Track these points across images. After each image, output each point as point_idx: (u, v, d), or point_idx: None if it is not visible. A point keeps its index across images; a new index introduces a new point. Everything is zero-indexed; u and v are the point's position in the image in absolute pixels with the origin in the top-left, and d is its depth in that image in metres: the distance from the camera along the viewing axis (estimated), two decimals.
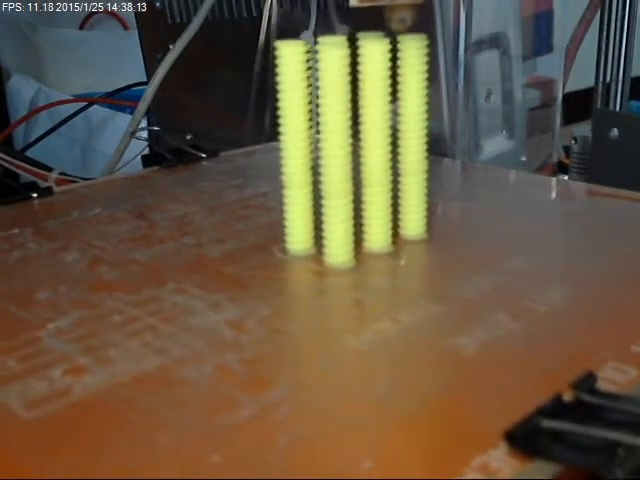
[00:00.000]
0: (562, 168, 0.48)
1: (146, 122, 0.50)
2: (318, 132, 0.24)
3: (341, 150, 0.24)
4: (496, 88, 0.42)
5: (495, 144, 0.43)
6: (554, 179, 0.39)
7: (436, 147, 0.38)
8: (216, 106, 0.50)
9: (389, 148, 0.25)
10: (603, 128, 0.41)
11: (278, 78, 0.24)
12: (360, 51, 0.24)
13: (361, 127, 0.24)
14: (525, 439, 0.15)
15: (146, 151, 0.43)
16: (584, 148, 0.45)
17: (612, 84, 0.47)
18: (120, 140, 0.45)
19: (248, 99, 0.47)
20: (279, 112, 0.24)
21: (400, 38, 0.25)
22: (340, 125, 0.23)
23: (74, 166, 0.66)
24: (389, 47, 0.24)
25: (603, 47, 0.47)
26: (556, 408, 0.16)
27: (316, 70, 0.23)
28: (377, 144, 0.24)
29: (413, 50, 0.25)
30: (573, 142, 0.46)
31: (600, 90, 0.48)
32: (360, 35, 0.24)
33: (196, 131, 0.51)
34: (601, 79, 0.48)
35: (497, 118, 0.43)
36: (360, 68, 0.24)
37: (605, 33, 0.47)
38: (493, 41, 0.41)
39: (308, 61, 0.24)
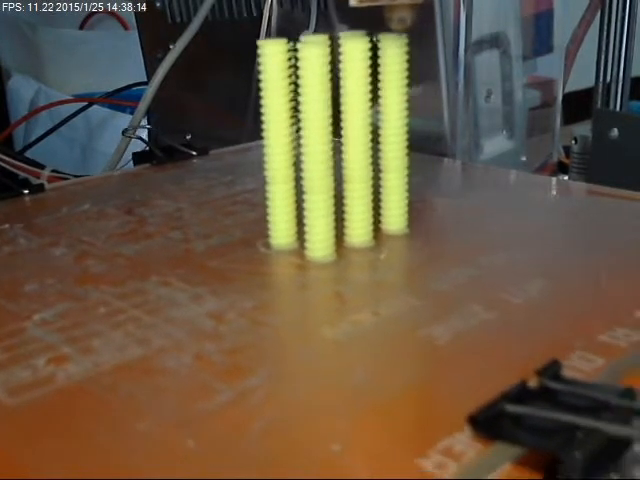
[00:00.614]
0: (562, 168, 0.48)
1: (146, 122, 0.51)
2: (300, 129, 0.24)
3: (322, 147, 0.24)
4: (496, 88, 0.42)
5: (495, 144, 0.43)
6: (553, 179, 0.39)
7: (436, 147, 0.39)
8: (216, 106, 0.51)
9: (370, 145, 0.25)
10: (603, 128, 0.41)
11: (261, 76, 0.24)
12: (341, 49, 0.24)
13: (342, 124, 0.25)
14: (488, 423, 0.15)
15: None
16: (584, 148, 0.45)
17: (612, 84, 0.47)
18: (120, 140, 0.45)
19: (248, 99, 0.47)
20: (262, 110, 0.25)
21: (380, 37, 0.25)
22: (321, 122, 0.24)
23: (74, 166, 0.66)
24: (369, 46, 0.24)
25: (603, 47, 0.47)
26: (520, 394, 0.16)
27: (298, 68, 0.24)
28: (358, 141, 0.25)
29: (393, 49, 0.25)
30: (573, 142, 0.46)
31: (600, 90, 0.48)
32: (341, 34, 0.24)
33: (196, 131, 0.51)
34: (601, 79, 0.48)
35: (497, 118, 0.43)
36: (341, 66, 0.24)
37: (605, 33, 0.47)
38: (493, 41, 0.41)
39: (290, 59, 0.24)
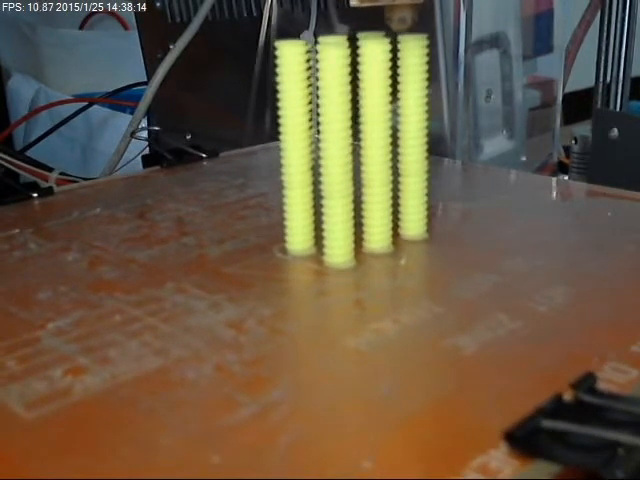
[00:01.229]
0: (562, 168, 0.48)
1: (146, 122, 0.50)
2: (318, 132, 0.24)
3: (341, 150, 0.24)
4: (496, 88, 0.42)
5: (495, 144, 0.43)
6: (554, 179, 0.39)
7: (436, 147, 0.38)
8: (216, 106, 0.50)
9: (389, 148, 0.25)
10: (603, 128, 0.41)
11: (278, 78, 0.24)
12: (360, 51, 0.24)
13: (361, 127, 0.24)
14: (525, 439, 0.15)
15: (146, 151, 0.43)
16: (584, 148, 0.45)
17: (612, 84, 0.47)
18: (120, 140, 0.45)
19: (248, 99, 0.47)
20: (279, 112, 0.24)
21: (400, 38, 0.25)
22: (340, 125, 0.23)
23: (74, 166, 0.66)
24: (389, 47, 0.24)
25: (603, 47, 0.47)
26: (556, 408, 0.16)
27: (316, 70, 0.23)
28: (377, 144, 0.24)
29: (413, 50, 0.25)
30: (573, 142, 0.46)
31: (600, 90, 0.48)
32: (360, 35, 0.24)
33: (196, 131, 0.51)
34: (601, 79, 0.47)
35: (497, 118, 0.43)
36: (360, 68, 0.24)
37: (605, 33, 0.47)
38: (493, 41, 0.41)
39: (308, 61, 0.23)
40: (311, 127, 0.24)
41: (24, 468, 0.15)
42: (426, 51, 0.25)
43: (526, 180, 0.36)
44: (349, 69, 0.23)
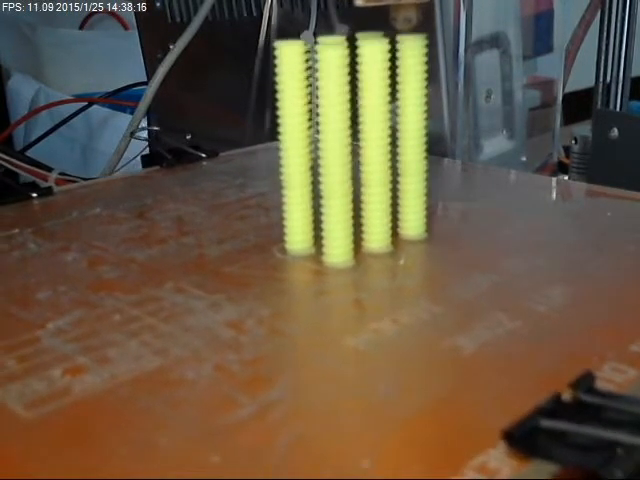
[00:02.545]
0: (562, 168, 0.48)
1: (146, 122, 0.50)
2: (317, 132, 0.24)
3: (340, 150, 0.24)
4: (496, 88, 0.42)
5: (495, 144, 0.43)
6: (554, 179, 0.39)
7: (436, 147, 0.38)
8: (216, 106, 0.50)
9: (388, 148, 0.25)
10: (603, 128, 0.41)
11: (277, 78, 0.24)
12: (359, 51, 0.24)
13: (360, 127, 0.24)
14: (524, 439, 0.15)
15: (146, 151, 0.43)
16: (584, 148, 0.45)
17: (612, 84, 0.47)
18: (120, 140, 0.45)
19: (248, 99, 0.47)
20: (278, 112, 0.24)
21: (399, 38, 0.25)
22: (339, 125, 0.23)
23: (74, 166, 0.66)
24: (388, 47, 0.24)
25: (603, 47, 0.47)
26: (555, 408, 0.16)
27: (316, 70, 0.23)
28: (376, 144, 0.24)
29: (412, 50, 0.25)
30: (573, 142, 0.46)
31: (600, 90, 0.48)
32: (359, 35, 0.24)
33: (196, 131, 0.51)
34: (601, 79, 0.48)
35: (497, 118, 0.43)
36: (359, 68, 0.24)
37: (605, 33, 0.47)
38: (493, 41, 0.41)
39: (307, 61, 0.24)
40: (310, 127, 0.24)
41: (23, 467, 0.15)
42: (425, 51, 0.25)
43: (526, 180, 0.36)
44: (348, 69, 0.23)
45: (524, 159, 0.45)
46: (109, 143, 0.61)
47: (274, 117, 0.25)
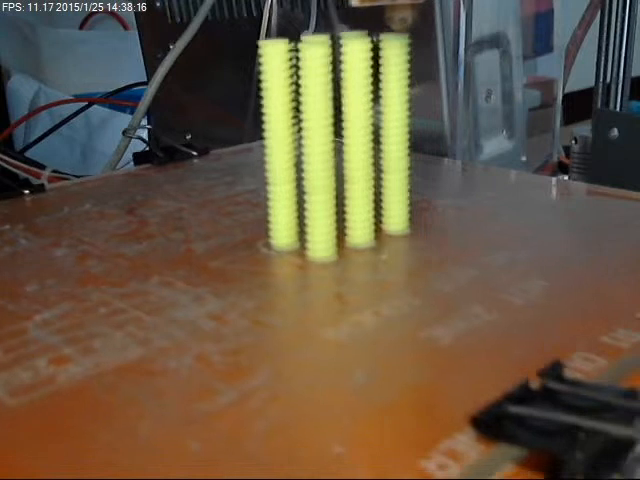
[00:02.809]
0: (562, 168, 0.48)
1: (146, 122, 0.51)
2: (301, 130, 0.24)
3: (323, 147, 0.24)
4: (496, 88, 0.42)
5: (495, 144, 0.43)
6: (554, 179, 0.39)
7: (436, 147, 0.39)
8: (216, 106, 0.51)
9: (371, 145, 0.25)
10: (603, 128, 0.41)
11: (262, 76, 0.24)
12: (342, 50, 0.24)
13: (344, 124, 0.25)
14: (491, 424, 0.15)
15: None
16: (584, 148, 0.45)
17: (612, 84, 0.47)
18: (120, 140, 0.45)
19: (248, 99, 0.47)
20: (263, 110, 0.25)
21: (382, 37, 0.25)
22: (322, 122, 0.24)
23: (74, 166, 0.66)
24: (371, 46, 0.24)
25: (603, 47, 0.47)
26: (523, 394, 0.16)
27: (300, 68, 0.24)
28: (359, 141, 0.25)
29: (395, 49, 0.25)
30: (573, 142, 0.46)
31: (600, 90, 0.48)
32: (342, 34, 0.24)
33: (196, 131, 0.51)
34: (601, 79, 0.48)
35: (497, 118, 0.43)
36: (342, 66, 0.24)
37: (605, 33, 0.47)
38: (493, 41, 0.41)
39: (291, 60, 0.24)
40: (294, 124, 0.25)
41: (6, 454, 0.15)
42: (407, 50, 0.25)
43: (526, 180, 0.36)
44: (331, 68, 0.24)
45: (524, 159, 0.45)
46: (109, 143, 0.61)
47: None
